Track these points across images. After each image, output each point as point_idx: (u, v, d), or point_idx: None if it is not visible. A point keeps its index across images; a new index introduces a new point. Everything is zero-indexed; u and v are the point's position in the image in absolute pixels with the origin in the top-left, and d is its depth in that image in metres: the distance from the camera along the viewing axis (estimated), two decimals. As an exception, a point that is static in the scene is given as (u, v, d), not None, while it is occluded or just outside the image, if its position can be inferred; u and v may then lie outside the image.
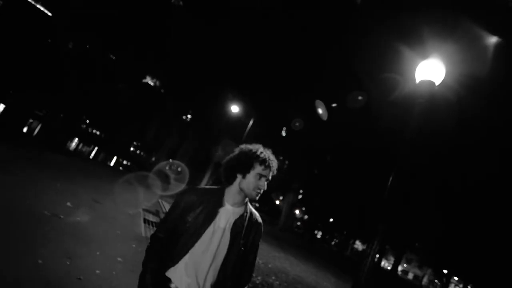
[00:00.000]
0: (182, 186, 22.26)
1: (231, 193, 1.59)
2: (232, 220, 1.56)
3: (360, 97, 20.36)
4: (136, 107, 26.25)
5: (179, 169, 28.22)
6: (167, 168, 29.00)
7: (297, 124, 22.61)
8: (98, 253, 4.36)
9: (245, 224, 1.59)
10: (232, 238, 1.54)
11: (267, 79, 20.55)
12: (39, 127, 25.11)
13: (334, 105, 21.86)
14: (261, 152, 1.60)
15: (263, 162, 1.57)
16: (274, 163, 1.61)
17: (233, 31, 19.74)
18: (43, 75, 19.07)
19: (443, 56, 4.33)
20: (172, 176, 27.57)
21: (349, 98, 20.61)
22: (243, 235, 1.58)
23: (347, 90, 20.48)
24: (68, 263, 3.65)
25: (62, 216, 5.13)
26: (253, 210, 1.73)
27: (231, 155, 1.66)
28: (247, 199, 1.64)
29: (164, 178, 23.51)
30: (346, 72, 19.80)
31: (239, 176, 1.59)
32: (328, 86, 21.24)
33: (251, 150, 1.60)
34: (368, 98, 20.17)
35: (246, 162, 1.57)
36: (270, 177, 1.61)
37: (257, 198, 1.58)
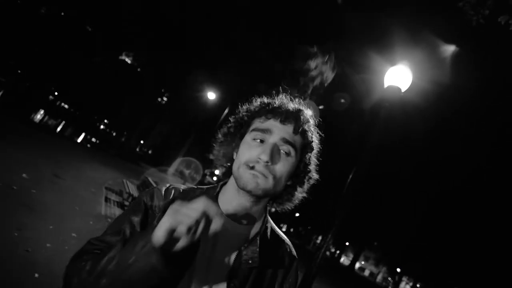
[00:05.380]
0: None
1: (230, 193, 0.88)
2: (233, 253, 0.83)
3: (342, 100, 20.84)
4: (111, 83, 25.28)
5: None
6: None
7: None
8: (51, 227, 4.24)
9: (259, 259, 0.84)
10: (235, 282, 0.81)
11: (247, 69, 20.56)
12: (0, 93, 23.55)
13: (321, 107, 22.18)
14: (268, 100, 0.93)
15: (264, 109, 0.89)
16: (293, 110, 0.88)
17: (217, 19, 19.50)
18: (8, 38, 17.83)
19: (411, 63, 4.56)
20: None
21: (333, 100, 21.07)
22: (256, 284, 0.84)
23: (329, 92, 20.95)
24: (16, 234, 3.53)
25: (15, 187, 4.92)
26: (279, 232, 1.00)
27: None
28: (263, 208, 0.92)
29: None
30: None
31: (235, 155, 0.90)
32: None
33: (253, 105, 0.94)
34: (349, 100, 20.78)
35: (238, 124, 0.93)
36: (289, 138, 0.84)
37: (256, 185, 0.79)
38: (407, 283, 51.01)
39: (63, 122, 32.67)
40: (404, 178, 22.71)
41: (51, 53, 20.10)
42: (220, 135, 0.96)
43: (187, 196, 0.89)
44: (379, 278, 58.05)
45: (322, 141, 0.97)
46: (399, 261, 31.69)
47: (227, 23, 19.41)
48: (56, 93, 30.83)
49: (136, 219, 0.82)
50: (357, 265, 55.90)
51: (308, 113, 0.92)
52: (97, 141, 34.58)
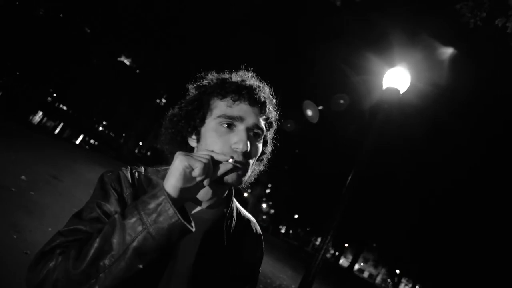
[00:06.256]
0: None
1: None
2: (199, 237, 0.82)
3: (342, 101, 20.87)
4: (109, 85, 25.28)
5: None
6: None
7: (288, 125, 22.57)
8: (50, 229, 4.23)
9: (226, 241, 0.87)
10: (202, 268, 0.82)
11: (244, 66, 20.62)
12: (-1, 95, 23.49)
13: (320, 107, 22.22)
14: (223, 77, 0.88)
15: (228, 88, 0.81)
16: (257, 88, 0.84)
17: (216, 22, 19.56)
18: (6, 39, 17.81)
19: (410, 65, 4.58)
20: None
21: (332, 101, 21.10)
22: (224, 262, 0.86)
23: (329, 93, 21.03)
24: (15, 236, 3.52)
25: (13, 189, 4.90)
26: (244, 212, 1.02)
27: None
28: (227, 190, 0.92)
29: None
30: (322, 77, 20.37)
31: (192, 141, 0.86)
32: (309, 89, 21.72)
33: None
34: (349, 100, 20.81)
35: (195, 106, 0.84)
36: (259, 121, 0.82)
37: (237, 178, 0.77)
38: (406, 285, 50.99)
39: (62, 124, 32.62)
40: (404, 179, 22.74)
41: (49, 54, 20.07)
42: (169, 119, 0.89)
43: (152, 179, 0.86)
44: (378, 279, 57.99)
45: (278, 117, 0.96)
46: (398, 262, 31.68)
47: (226, 26, 19.48)
48: (54, 95, 30.82)
49: (110, 209, 0.76)
50: (356, 266, 55.88)
51: (267, 89, 0.90)
52: (96, 143, 34.53)
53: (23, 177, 5.75)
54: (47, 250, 0.68)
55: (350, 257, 49.62)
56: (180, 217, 0.62)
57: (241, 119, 0.78)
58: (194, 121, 0.83)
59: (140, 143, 37.22)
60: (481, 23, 4.01)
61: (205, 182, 0.69)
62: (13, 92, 22.63)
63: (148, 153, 40.25)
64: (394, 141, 18.05)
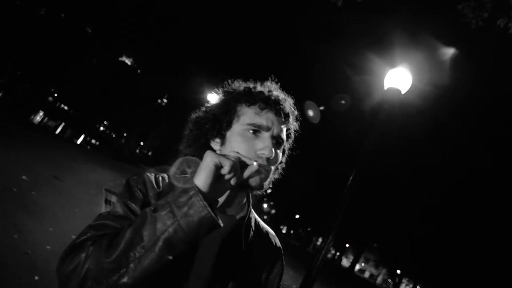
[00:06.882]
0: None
1: None
2: (217, 245, 0.82)
3: (343, 101, 20.86)
4: (110, 85, 25.30)
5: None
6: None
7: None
8: (51, 229, 4.23)
9: (245, 250, 0.86)
10: (221, 272, 0.81)
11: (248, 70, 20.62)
12: (0, 95, 23.54)
13: (321, 108, 22.22)
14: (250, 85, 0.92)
15: (256, 97, 0.86)
16: (282, 99, 0.89)
17: (219, 20, 19.56)
18: (8, 39, 17.83)
19: (411, 66, 4.57)
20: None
21: (333, 102, 21.09)
22: (242, 269, 0.85)
23: (331, 93, 21.04)
24: (16, 236, 3.52)
25: (15, 189, 4.91)
26: (263, 224, 1.01)
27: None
28: (245, 198, 0.93)
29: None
30: (323, 78, 20.38)
31: (215, 144, 0.89)
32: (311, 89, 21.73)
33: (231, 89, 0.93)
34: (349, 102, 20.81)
35: (223, 110, 0.87)
36: (282, 131, 0.87)
37: (260, 182, 0.81)
38: (407, 285, 50.91)
39: (63, 124, 32.64)
40: (405, 179, 22.71)
41: (50, 54, 20.09)
42: (195, 122, 0.93)
43: (175, 184, 0.87)
44: (379, 279, 57.91)
45: (298, 128, 1.01)
46: (399, 262, 31.63)
47: (226, 26, 19.49)
48: (55, 95, 30.83)
49: (136, 208, 0.77)
50: (357, 267, 55.84)
51: (291, 101, 0.94)
52: (97, 143, 34.58)
53: (24, 177, 5.76)
54: (78, 243, 0.67)
55: (351, 257, 49.58)
56: (210, 210, 0.64)
57: (267, 127, 0.83)
58: (221, 124, 0.87)
59: (141, 143, 37.26)
60: (482, 23, 4.00)
61: (233, 181, 0.72)
62: (13, 92, 22.66)
63: (149, 153, 40.29)
64: (395, 141, 18.05)
